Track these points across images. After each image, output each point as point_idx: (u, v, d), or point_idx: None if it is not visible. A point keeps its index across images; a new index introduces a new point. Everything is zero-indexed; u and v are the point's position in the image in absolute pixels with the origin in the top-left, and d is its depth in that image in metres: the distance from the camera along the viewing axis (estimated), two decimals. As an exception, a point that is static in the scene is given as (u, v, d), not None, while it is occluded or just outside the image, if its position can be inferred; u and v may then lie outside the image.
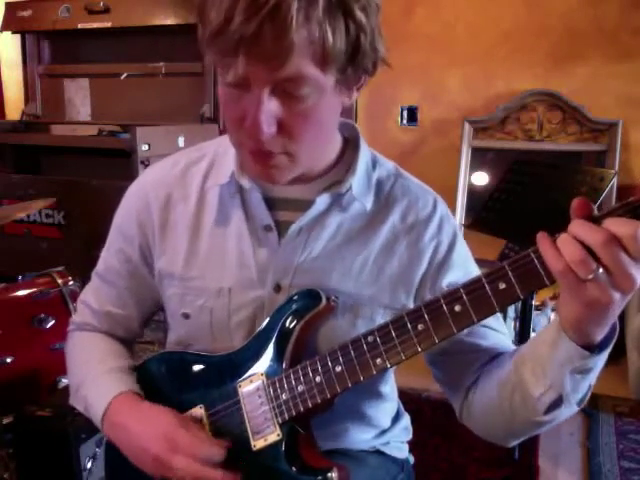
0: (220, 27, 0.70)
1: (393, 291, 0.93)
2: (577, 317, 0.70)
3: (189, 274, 0.95)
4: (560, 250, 0.64)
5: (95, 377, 0.98)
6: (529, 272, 0.69)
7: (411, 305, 0.94)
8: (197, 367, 0.95)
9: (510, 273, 0.70)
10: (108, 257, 1.05)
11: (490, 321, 0.91)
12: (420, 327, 0.76)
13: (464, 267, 0.96)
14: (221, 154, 0.97)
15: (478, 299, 0.73)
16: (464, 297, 0.73)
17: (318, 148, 0.86)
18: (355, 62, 0.77)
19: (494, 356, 0.91)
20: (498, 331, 0.94)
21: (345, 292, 0.91)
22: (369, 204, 0.93)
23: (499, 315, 0.93)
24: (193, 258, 0.95)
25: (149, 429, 0.88)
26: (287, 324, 0.88)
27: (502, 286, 0.71)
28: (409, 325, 0.77)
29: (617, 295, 0.66)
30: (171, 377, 0.98)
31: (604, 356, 0.76)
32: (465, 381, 0.93)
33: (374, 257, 0.93)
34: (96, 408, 0.94)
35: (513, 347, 0.92)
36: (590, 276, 0.63)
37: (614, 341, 0.77)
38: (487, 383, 0.89)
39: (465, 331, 0.79)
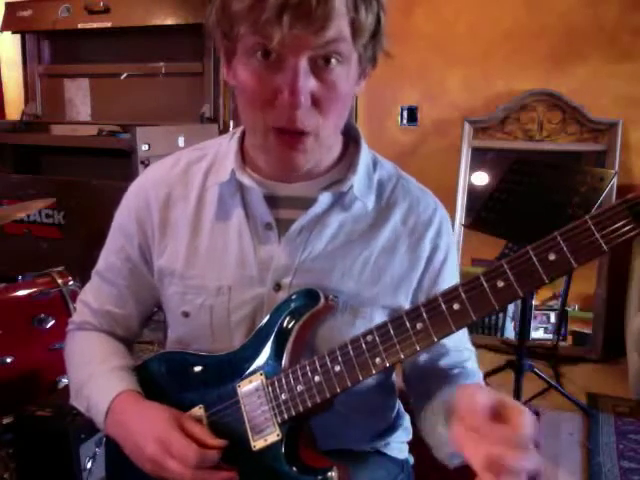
0: None
1: (394, 292, 0.94)
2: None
3: (189, 272, 0.95)
4: None
5: (98, 376, 0.98)
6: (527, 270, 0.69)
7: (408, 306, 0.94)
8: (196, 367, 0.95)
9: (508, 271, 0.70)
10: (108, 256, 1.05)
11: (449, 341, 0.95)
12: (419, 326, 0.76)
13: (455, 279, 0.98)
14: (222, 153, 0.97)
15: (477, 298, 0.73)
16: (463, 296, 0.73)
17: (337, 129, 0.88)
18: (374, 42, 0.82)
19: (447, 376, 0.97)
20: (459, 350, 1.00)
21: (345, 292, 0.91)
22: (370, 204, 0.94)
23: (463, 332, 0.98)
24: (193, 256, 0.95)
25: (146, 429, 0.88)
26: (286, 324, 0.88)
27: (501, 284, 0.71)
28: (408, 324, 0.77)
29: None
30: (170, 377, 0.98)
31: None
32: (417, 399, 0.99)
33: (375, 257, 0.93)
34: (99, 406, 0.94)
35: (469, 366, 1.00)
36: None
37: None
38: (425, 409, 0.93)
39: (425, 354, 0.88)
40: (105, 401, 0.93)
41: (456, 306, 0.74)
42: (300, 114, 0.78)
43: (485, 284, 0.72)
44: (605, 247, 0.66)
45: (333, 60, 0.78)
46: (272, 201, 0.93)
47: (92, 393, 0.97)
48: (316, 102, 0.79)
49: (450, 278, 0.97)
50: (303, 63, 0.76)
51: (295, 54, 0.76)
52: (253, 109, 0.83)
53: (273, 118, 0.80)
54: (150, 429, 0.87)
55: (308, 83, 0.77)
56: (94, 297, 1.07)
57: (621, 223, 0.65)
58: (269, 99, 0.79)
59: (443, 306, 0.75)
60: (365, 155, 0.96)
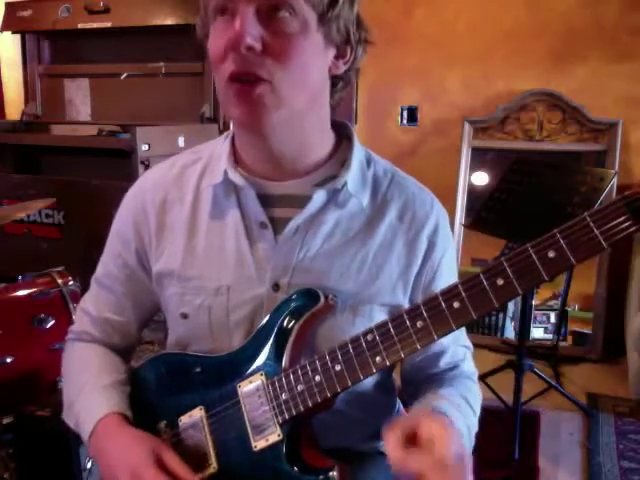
0: None
1: (392, 289, 0.94)
2: None
3: (187, 273, 0.95)
4: None
5: (87, 394, 0.98)
6: (527, 267, 0.70)
7: (406, 304, 0.94)
8: (196, 368, 0.95)
9: (508, 269, 0.71)
10: (106, 262, 1.05)
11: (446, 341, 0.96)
12: (419, 324, 0.76)
13: (453, 276, 0.99)
14: (216, 155, 0.97)
15: (477, 295, 0.73)
16: (463, 294, 0.74)
17: (300, 87, 0.84)
18: (334, 12, 0.82)
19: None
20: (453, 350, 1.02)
21: (344, 291, 0.91)
22: (365, 200, 0.94)
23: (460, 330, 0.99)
24: (191, 257, 0.95)
25: (122, 461, 0.87)
26: (286, 323, 0.88)
27: (500, 282, 0.71)
28: (408, 323, 0.77)
29: None
30: (170, 378, 0.98)
31: None
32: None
33: (373, 255, 0.93)
34: (84, 427, 0.94)
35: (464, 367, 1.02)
36: None
37: None
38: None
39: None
40: (89, 423, 0.93)
41: (456, 304, 0.74)
42: (249, 57, 0.79)
43: (485, 282, 0.72)
44: (604, 244, 0.66)
45: (283, 11, 0.79)
46: (266, 200, 0.93)
47: (80, 412, 0.97)
48: (268, 49, 0.80)
49: (448, 274, 0.97)
50: (250, 10, 0.79)
51: (243, 4, 0.78)
52: (216, 70, 0.84)
53: (227, 65, 0.81)
54: (126, 461, 0.87)
55: (255, 26, 0.79)
56: (93, 305, 1.07)
57: (620, 220, 0.65)
58: (224, 50, 0.81)
59: (443, 304, 0.75)
60: (358, 151, 0.95)
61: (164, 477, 0.84)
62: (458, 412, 0.90)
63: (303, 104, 0.86)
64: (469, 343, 1.06)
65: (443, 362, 1.00)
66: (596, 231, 0.66)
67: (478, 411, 0.98)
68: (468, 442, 0.90)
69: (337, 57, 0.88)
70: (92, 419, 0.93)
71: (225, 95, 0.84)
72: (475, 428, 0.95)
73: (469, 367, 1.04)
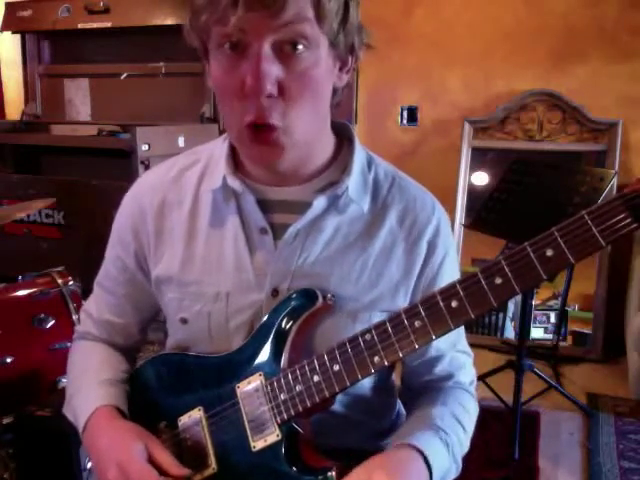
0: None
1: (392, 295, 0.93)
2: None
3: (186, 279, 0.95)
4: None
5: (85, 389, 0.98)
6: (525, 266, 0.69)
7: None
8: (195, 369, 0.95)
9: (506, 268, 0.70)
10: (107, 265, 1.05)
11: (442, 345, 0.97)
12: (417, 324, 0.76)
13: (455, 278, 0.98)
14: (215, 157, 0.96)
15: (475, 295, 0.73)
16: (461, 293, 0.73)
17: (313, 122, 0.84)
18: (344, 30, 0.80)
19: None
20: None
21: (344, 297, 0.90)
22: (366, 205, 0.93)
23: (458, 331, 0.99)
24: (189, 263, 0.95)
25: (111, 453, 0.87)
26: (284, 324, 0.88)
27: (498, 281, 0.71)
28: (406, 322, 0.77)
29: None
30: (169, 379, 0.98)
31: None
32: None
33: (373, 261, 0.92)
34: (79, 420, 0.95)
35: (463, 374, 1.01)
36: None
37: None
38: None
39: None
40: (84, 416, 0.94)
41: (454, 303, 0.74)
42: (266, 104, 0.77)
43: (483, 281, 0.72)
44: (603, 242, 0.66)
45: (300, 46, 0.77)
46: (266, 206, 0.92)
47: (77, 406, 0.98)
48: (284, 91, 0.78)
49: (449, 278, 0.95)
50: (266, 47, 0.75)
51: (257, 38, 0.75)
52: (225, 105, 0.83)
53: (242, 112, 0.79)
54: (114, 453, 0.87)
55: (272, 68, 0.76)
56: (95, 307, 1.08)
57: (618, 217, 0.65)
58: (237, 91, 0.78)
59: (441, 304, 0.75)
60: (359, 154, 0.94)
61: (150, 471, 0.84)
62: (440, 443, 0.89)
63: (316, 132, 0.87)
64: (469, 349, 1.05)
65: (439, 368, 0.99)
66: (594, 229, 0.66)
67: (470, 428, 0.97)
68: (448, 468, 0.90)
69: (341, 68, 0.87)
70: (86, 413, 0.93)
71: (239, 135, 0.83)
72: (464, 447, 0.95)
73: (466, 376, 1.02)
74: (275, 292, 0.91)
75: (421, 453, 0.84)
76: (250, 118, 0.79)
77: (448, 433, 0.91)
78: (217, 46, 0.79)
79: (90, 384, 0.98)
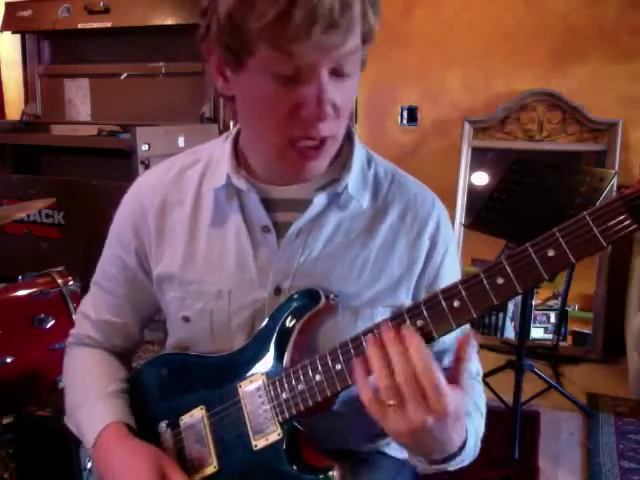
0: (282, 12, 0.69)
1: (394, 291, 0.93)
2: (400, 444, 0.76)
3: (188, 277, 0.95)
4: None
5: (89, 402, 0.97)
6: (527, 266, 0.70)
7: (409, 303, 0.94)
8: (197, 368, 0.95)
9: (508, 268, 0.71)
10: (105, 265, 1.05)
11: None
12: (419, 323, 0.76)
13: (456, 274, 0.98)
14: (216, 156, 0.97)
15: (477, 294, 0.73)
16: (463, 293, 0.73)
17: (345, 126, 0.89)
18: (370, 42, 0.82)
19: None
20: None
21: (346, 294, 0.91)
22: (365, 202, 0.93)
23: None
24: (191, 261, 0.95)
25: (125, 475, 0.87)
26: (287, 323, 0.88)
27: (500, 281, 0.71)
28: (408, 322, 0.77)
29: (429, 420, 0.70)
30: (171, 379, 0.98)
31: (457, 462, 0.82)
32: None
33: (374, 257, 0.93)
34: (87, 437, 0.94)
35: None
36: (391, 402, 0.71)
37: (465, 455, 0.83)
38: None
39: None
40: (92, 433, 0.93)
41: (456, 303, 0.74)
42: (324, 124, 0.79)
43: (485, 281, 0.72)
44: (604, 242, 0.66)
45: (350, 69, 0.78)
46: (268, 204, 0.93)
47: (82, 420, 0.97)
48: (335, 109, 0.80)
49: (450, 273, 0.97)
50: (326, 75, 0.76)
51: (320, 66, 0.75)
52: (263, 121, 0.82)
53: (289, 128, 0.80)
54: (128, 475, 0.87)
55: (333, 94, 0.78)
56: (93, 308, 1.07)
57: (619, 218, 0.65)
58: (290, 113, 0.78)
59: (443, 303, 0.75)
60: (359, 152, 0.95)
61: None
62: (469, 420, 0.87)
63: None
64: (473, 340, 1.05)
65: (446, 361, 0.99)
66: (595, 230, 0.66)
67: (484, 412, 0.97)
68: (474, 447, 0.87)
69: None
70: (94, 430, 0.93)
71: (282, 151, 0.83)
72: (482, 431, 0.94)
73: (472, 366, 1.02)
74: (277, 290, 0.92)
75: None
76: (301, 134, 0.80)
77: (471, 414, 0.90)
78: (266, 66, 0.75)
79: (94, 399, 0.97)
